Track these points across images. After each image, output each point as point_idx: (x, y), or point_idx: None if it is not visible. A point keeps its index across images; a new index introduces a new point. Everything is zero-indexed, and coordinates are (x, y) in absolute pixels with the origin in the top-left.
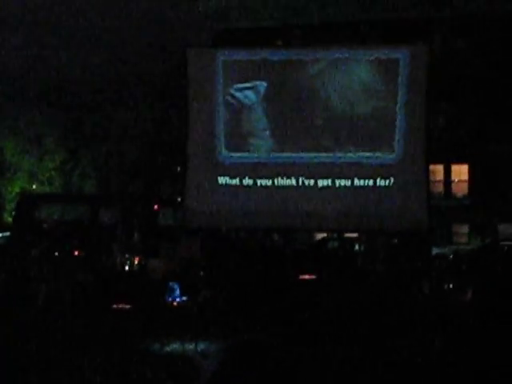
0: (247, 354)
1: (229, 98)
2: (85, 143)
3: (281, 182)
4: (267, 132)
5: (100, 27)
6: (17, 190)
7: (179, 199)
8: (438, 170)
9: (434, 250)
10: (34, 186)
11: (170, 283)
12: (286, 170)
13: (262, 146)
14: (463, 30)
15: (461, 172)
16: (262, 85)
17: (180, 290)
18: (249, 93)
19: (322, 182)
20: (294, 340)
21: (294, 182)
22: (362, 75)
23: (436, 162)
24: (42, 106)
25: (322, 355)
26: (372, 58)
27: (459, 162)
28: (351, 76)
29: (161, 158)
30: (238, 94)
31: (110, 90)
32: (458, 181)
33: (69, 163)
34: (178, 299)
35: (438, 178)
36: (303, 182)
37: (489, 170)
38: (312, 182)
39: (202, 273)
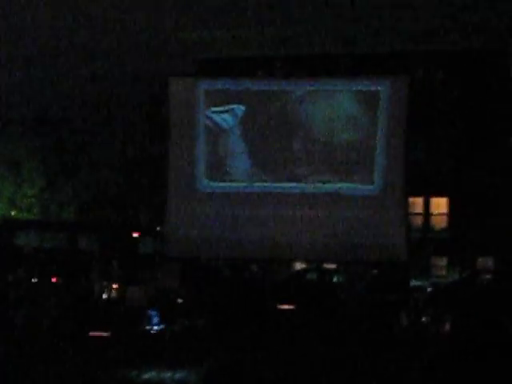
0: (223, 379)
1: (207, 121)
2: (64, 171)
3: (259, 212)
4: (244, 155)
5: (81, 55)
6: None
7: (158, 228)
8: (417, 202)
9: (413, 283)
10: (12, 213)
11: (149, 311)
12: (265, 200)
13: (240, 171)
14: (443, 63)
15: (440, 205)
16: (240, 108)
17: (158, 317)
18: (226, 116)
19: (300, 212)
20: (270, 364)
21: (272, 211)
22: (343, 106)
23: (415, 195)
24: (20, 133)
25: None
26: (353, 89)
27: (438, 195)
28: (332, 106)
29: (141, 186)
30: (215, 117)
31: (89, 117)
32: (438, 214)
33: (48, 190)
34: (156, 327)
35: (417, 211)
36: (282, 212)
37: (468, 203)
38: (291, 212)
39: (180, 301)
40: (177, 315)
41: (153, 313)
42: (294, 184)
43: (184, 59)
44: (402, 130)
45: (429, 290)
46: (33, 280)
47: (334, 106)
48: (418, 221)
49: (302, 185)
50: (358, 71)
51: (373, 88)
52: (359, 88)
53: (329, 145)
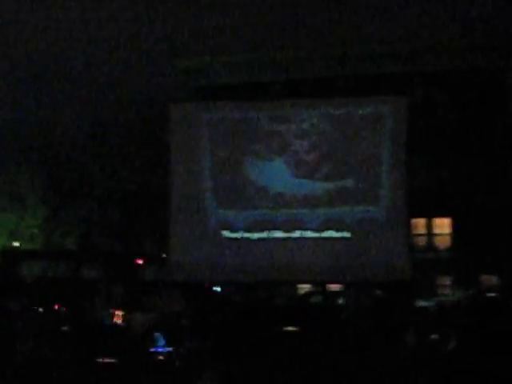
0: None
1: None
2: (66, 201)
3: (264, 235)
4: (248, 182)
5: (80, 84)
6: None
7: (163, 255)
8: (420, 223)
9: (419, 303)
10: (15, 244)
11: (155, 334)
12: (269, 224)
13: (245, 197)
14: (443, 84)
15: (443, 225)
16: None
17: (164, 340)
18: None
19: (307, 234)
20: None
21: (279, 234)
22: (346, 129)
23: (418, 216)
24: (23, 163)
25: None
26: (355, 111)
27: (441, 215)
28: (335, 130)
29: (144, 213)
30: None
31: (91, 146)
32: (441, 234)
33: (51, 220)
34: (162, 350)
35: (420, 232)
36: (289, 235)
37: (471, 222)
38: (298, 233)
39: (186, 324)
40: (183, 338)
41: (158, 336)
42: (299, 209)
43: (181, 86)
44: (404, 151)
45: (435, 309)
46: (37, 309)
47: (337, 130)
48: (422, 241)
49: (307, 209)
50: (358, 93)
51: (374, 110)
52: (361, 110)
53: (334, 168)
